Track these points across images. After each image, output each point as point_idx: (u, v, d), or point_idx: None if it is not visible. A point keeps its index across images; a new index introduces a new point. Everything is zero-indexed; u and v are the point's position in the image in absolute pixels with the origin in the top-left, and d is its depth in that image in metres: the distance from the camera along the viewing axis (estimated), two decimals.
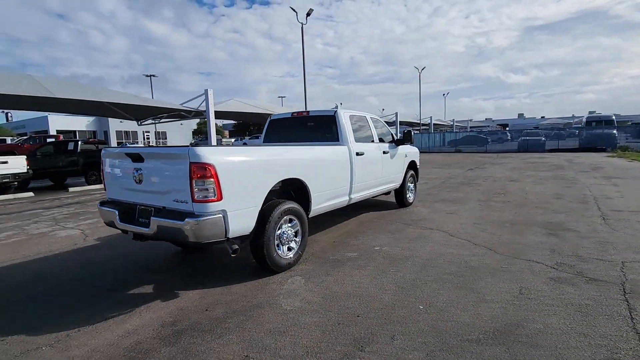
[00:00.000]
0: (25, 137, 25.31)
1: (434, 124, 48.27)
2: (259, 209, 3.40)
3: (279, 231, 3.70)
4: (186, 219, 2.88)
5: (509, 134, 38.91)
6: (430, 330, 2.55)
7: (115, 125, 48.63)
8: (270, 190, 3.60)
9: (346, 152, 4.81)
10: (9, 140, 28.00)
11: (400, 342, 2.43)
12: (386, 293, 3.19)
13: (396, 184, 6.54)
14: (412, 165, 7.16)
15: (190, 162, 2.88)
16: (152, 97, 39.62)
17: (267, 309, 2.95)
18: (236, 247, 3.27)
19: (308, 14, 19.53)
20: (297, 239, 3.95)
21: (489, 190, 8.75)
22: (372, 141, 5.69)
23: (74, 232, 5.81)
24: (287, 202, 3.77)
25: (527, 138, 27.52)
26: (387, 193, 6.79)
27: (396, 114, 32.94)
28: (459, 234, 5.01)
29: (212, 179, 2.91)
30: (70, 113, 19.24)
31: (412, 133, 6.40)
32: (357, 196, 5.17)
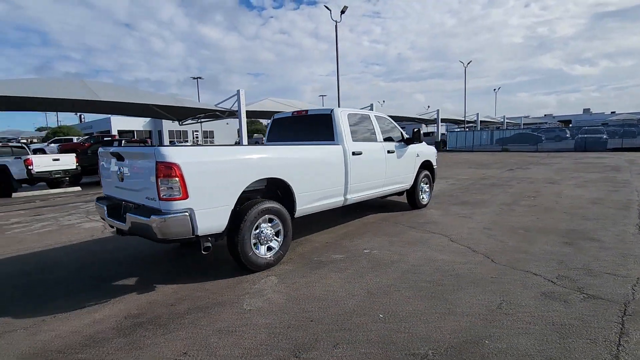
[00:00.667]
0: (86, 137, 27.98)
1: (483, 121, 45.68)
2: (232, 207, 3.44)
3: (257, 230, 3.72)
4: (152, 216, 3.00)
5: (567, 132, 35.66)
6: (378, 341, 2.42)
7: (168, 125, 51.98)
8: (248, 190, 3.63)
9: (340, 152, 4.70)
10: (75, 139, 31.24)
11: (340, 351, 2.32)
12: (352, 298, 3.08)
13: (406, 184, 6.28)
14: (426, 166, 6.83)
15: (156, 162, 2.99)
16: (199, 99, 41.85)
17: (227, 308, 2.98)
18: (208, 244, 3.35)
19: (342, 12, 19.38)
20: (278, 239, 3.94)
21: (519, 193, 8.09)
22: (375, 140, 5.50)
23: (96, 225, 6.31)
24: (266, 202, 3.78)
25: (586, 136, 25.01)
26: (401, 194, 6.56)
27: (437, 111, 31.64)
28: (461, 239, 4.69)
29: (176, 178, 2.99)
30: (120, 114, 20.85)
31: (421, 132, 6.10)
32: (354, 197, 5.03)
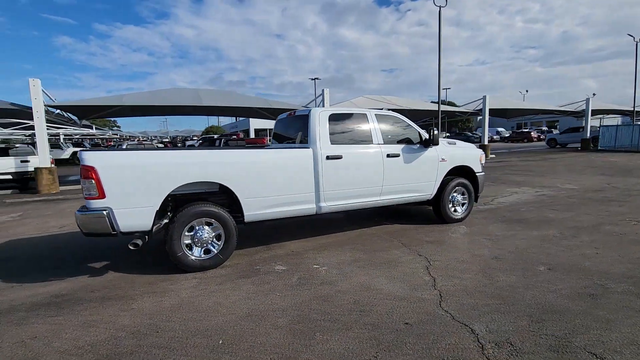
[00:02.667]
0: (217, 135, 33.13)
1: None
2: (156, 208, 3.61)
3: (191, 232, 3.81)
4: (76, 212, 3.43)
5: None
6: None
7: None
8: (195, 192, 3.84)
9: (307, 156, 4.35)
10: (215, 137, 37.49)
11: None
12: (226, 317, 2.87)
13: (423, 193, 5.34)
14: (463, 172, 5.66)
15: (80, 164, 3.40)
16: (315, 98, 44.21)
17: (120, 303, 3.17)
18: (136, 241, 3.61)
19: None
20: (218, 243, 3.95)
21: (620, 214, 5.88)
22: (370, 142, 4.86)
23: None
24: (203, 205, 3.83)
25: None
26: (428, 204, 5.66)
27: (587, 100, 25.33)
28: (442, 267, 3.76)
29: (92, 180, 3.34)
30: (226, 115, 23.70)
31: (437, 132, 5.06)
32: (333, 205, 4.58)
